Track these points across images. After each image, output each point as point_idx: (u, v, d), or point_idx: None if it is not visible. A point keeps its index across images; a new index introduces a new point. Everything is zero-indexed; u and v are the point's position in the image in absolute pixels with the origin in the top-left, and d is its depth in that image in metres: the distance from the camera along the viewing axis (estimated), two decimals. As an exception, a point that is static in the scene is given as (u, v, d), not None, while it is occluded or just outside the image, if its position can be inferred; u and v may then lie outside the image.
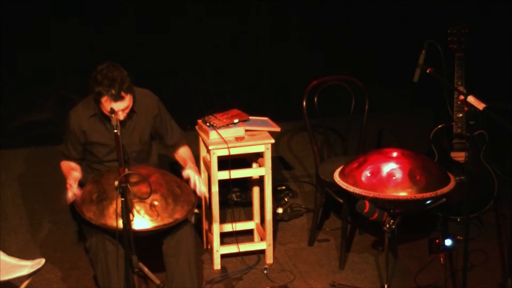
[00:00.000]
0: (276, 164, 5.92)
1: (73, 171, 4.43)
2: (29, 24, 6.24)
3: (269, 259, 5.00)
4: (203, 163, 5.03)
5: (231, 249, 4.97)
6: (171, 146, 4.72)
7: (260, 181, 5.03)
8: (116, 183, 3.96)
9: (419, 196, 4.18)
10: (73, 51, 6.34)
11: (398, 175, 4.23)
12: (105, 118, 4.46)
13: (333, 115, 5.79)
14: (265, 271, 4.90)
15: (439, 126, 5.19)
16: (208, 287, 4.77)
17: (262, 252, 5.03)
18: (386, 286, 4.41)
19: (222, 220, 5.15)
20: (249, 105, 6.19)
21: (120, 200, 3.97)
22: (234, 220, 5.16)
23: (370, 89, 5.23)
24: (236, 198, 5.53)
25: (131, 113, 4.50)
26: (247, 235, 5.24)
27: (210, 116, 4.93)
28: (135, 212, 4.18)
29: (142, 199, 4.21)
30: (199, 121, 4.97)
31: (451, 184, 4.29)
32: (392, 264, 4.89)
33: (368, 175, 4.27)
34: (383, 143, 6.42)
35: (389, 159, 4.32)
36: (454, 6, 6.44)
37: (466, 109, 4.16)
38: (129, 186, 4.05)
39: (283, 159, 6.31)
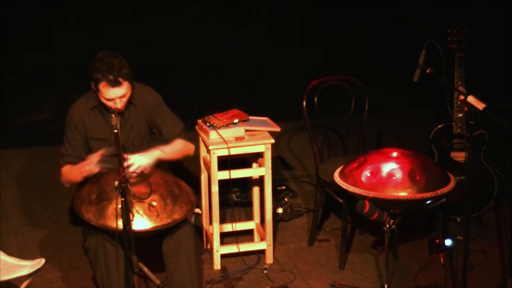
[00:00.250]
0: (276, 164, 5.92)
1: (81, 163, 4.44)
2: (29, 24, 6.24)
3: (269, 259, 5.00)
4: (203, 163, 5.03)
5: (231, 249, 4.97)
6: (168, 140, 4.69)
7: (260, 181, 5.03)
8: (116, 183, 3.96)
9: (419, 196, 4.17)
10: (73, 51, 6.34)
11: (398, 175, 4.23)
12: (105, 109, 4.46)
13: (333, 115, 5.78)
14: (265, 271, 4.90)
15: (439, 126, 5.19)
16: (208, 287, 4.77)
17: (262, 252, 5.03)
18: (386, 286, 4.41)
19: (222, 220, 5.15)
20: (249, 105, 6.18)
21: (120, 200, 3.97)
22: (234, 220, 5.16)
23: (370, 89, 5.23)
24: (236, 198, 5.53)
25: (129, 105, 4.51)
26: (247, 235, 5.24)
27: (210, 116, 4.93)
28: (134, 212, 4.18)
29: (141, 200, 4.20)
30: (199, 121, 4.97)
31: (451, 184, 4.29)
32: (392, 264, 4.89)
33: (368, 175, 4.27)
34: (383, 143, 6.42)
35: (389, 159, 4.31)
36: (454, 6, 6.43)
37: (466, 109, 4.16)
38: (128, 186, 4.05)
39: (283, 159, 6.31)
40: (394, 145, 5.85)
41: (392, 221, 4.25)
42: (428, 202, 4.26)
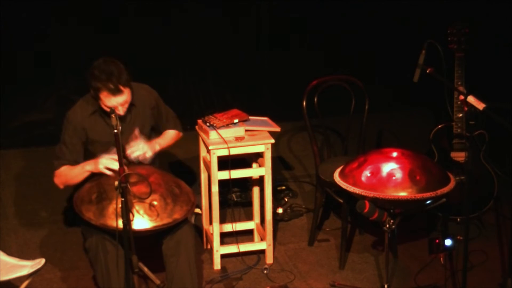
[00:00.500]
0: (276, 164, 5.92)
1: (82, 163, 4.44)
2: (29, 24, 6.24)
3: (269, 259, 5.00)
4: (203, 163, 5.03)
5: (231, 249, 4.97)
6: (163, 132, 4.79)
7: (260, 181, 5.03)
8: (116, 183, 3.96)
9: (419, 196, 4.17)
10: (73, 51, 6.34)
11: (398, 175, 4.23)
12: (106, 114, 4.46)
13: (333, 115, 5.78)
14: (265, 271, 4.90)
15: (439, 126, 5.18)
16: (208, 287, 4.77)
17: (262, 252, 5.03)
18: (386, 286, 4.41)
19: (222, 220, 5.15)
20: (249, 105, 6.18)
21: (120, 200, 3.97)
22: (234, 220, 5.16)
23: (370, 89, 5.23)
24: (236, 198, 5.53)
25: (130, 106, 4.51)
26: (247, 235, 5.24)
27: (210, 116, 4.93)
28: (134, 212, 4.17)
29: (141, 199, 4.20)
30: (199, 121, 4.97)
31: (451, 184, 4.29)
32: (392, 264, 4.89)
33: (368, 175, 4.27)
34: (383, 143, 6.42)
35: (389, 159, 4.31)
36: (454, 6, 6.43)
37: (466, 109, 4.15)
38: (129, 186, 4.05)
39: (283, 159, 6.31)
40: (394, 145, 5.85)
41: (392, 221, 4.25)
42: (428, 202, 4.26)
